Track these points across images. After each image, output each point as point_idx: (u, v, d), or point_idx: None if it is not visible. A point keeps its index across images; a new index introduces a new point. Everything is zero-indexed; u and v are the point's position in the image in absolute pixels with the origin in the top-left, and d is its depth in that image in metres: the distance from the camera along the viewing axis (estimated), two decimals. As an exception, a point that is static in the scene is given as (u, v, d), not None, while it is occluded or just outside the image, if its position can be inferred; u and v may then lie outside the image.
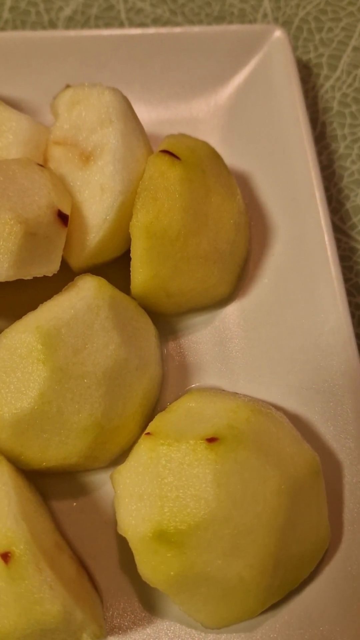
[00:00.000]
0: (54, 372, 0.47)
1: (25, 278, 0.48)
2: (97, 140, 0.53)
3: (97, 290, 0.50)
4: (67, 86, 0.58)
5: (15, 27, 0.73)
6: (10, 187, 0.49)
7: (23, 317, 0.49)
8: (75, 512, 0.53)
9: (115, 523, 0.52)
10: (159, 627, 0.49)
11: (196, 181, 0.54)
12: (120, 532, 0.47)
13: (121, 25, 0.74)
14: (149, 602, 0.50)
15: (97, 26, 0.74)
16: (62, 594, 0.44)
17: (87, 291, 0.50)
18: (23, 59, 0.66)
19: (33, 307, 0.51)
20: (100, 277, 0.52)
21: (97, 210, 0.52)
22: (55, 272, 0.50)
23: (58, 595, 0.43)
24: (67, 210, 0.50)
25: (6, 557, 0.43)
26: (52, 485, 0.53)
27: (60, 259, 0.50)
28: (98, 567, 0.51)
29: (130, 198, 0.52)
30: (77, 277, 0.52)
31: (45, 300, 0.51)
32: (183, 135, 0.58)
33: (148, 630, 0.49)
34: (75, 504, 0.53)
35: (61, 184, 0.53)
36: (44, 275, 0.50)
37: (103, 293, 0.50)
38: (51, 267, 0.49)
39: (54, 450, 0.49)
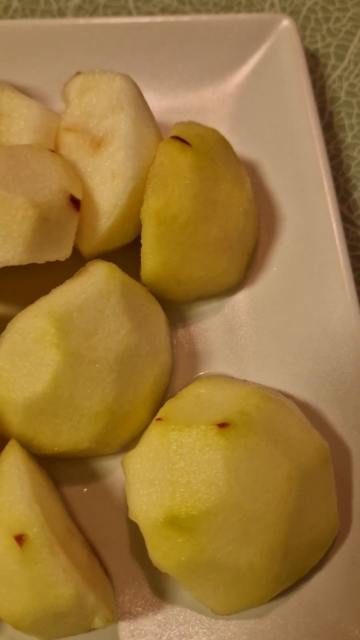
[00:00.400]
0: (66, 357, 0.47)
1: (39, 262, 0.48)
2: (108, 126, 0.53)
3: (108, 276, 0.50)
4: (78, 73, 0.58)
5: (24, 16, 0.73)
6: (22, 172, 0.49)
7: (35, 302, 0.49)
8: (85, 498, 0.53)
9: (126, 509, 0.52)
10: (169, 613, 0.50)
11: (206, 168, 0.54)
12: (131, 518, 0.47)
13: (129, 14, 0.74)
14: (159, 588, 0.51)
15: (105, 15, 0.74)
16: (75, 578, 0.44)
17: (99, 277, 0.50)
18: (33, 46, 0.66)
19: (44, 292, 0.51)
20: (111, 263, 0.52)
21: (108, 196, 0.52)
22: (67, 258, 0.50)
23: (71, 578, 0.43)
24: (79, 196, 0.50)
25: (20, 540, 0.43)
26: (62, 471, 0.53)
27: (72, 245, 0.50)
28: (108, 553, 0.52)
29: (141, 184, 0.52)
30: (88, 262, 0.52)
31: (56, 285, 0.51)
32: (193, 123, 0.58)
33: (158, 615, 0.50)
34: (85, 489, 0.53)
35: (72, 169, 0.53)
36: (56, 261, 0.50)
37: (114, 279, 0.50)
38: (63, 253, 0.49)
39: (65, 435, 0.49)
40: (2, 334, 0.49)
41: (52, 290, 0.50)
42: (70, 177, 0.51)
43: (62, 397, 0.47)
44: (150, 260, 0.52)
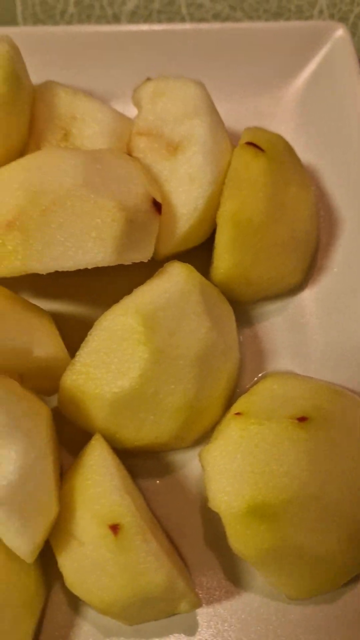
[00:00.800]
0: (153, 354, 0.49)
1: (124, 263, 0.50)
2: (184, 131, 0.55)
3: (187, 276, 0.52)
4: (148, 79, 0.60)
5: (80, 21, 0.75)
6: (107, 175, 0.51)
7: (120, 300, 0.51)
8: (159, 490, 0.55)
9: (199, 500, 0.55)
10: (243, 599, 0.52)
11: (276, 173, 0.56)
12: (212, 508, 0.49)
13: (182, 19, 0.76)
14: (232, 575, 0.53)
15: (159, 20, 0.76)
16: (167, 565, 0.46)
17: (178, 277, 0.52)
18: (96, 52, 0.68)
19: (113, 291, 0.53)
20: (188, 264, 0.54)
21: (186, 199, 0.54)
22: (149, 258, 0.52)
23: (163, 565, 0.45)
24: (159, 199, 0.52)
25: (115, 529, 0.45)
26: (136, 465, 0.55)
27: (153, 246, 0.52)
28: (183, 543, 0.54)
29: (218, 188, 0.54)
30: (167, 263, 0.54)
31: (127, 285, 0.53)
32: (261, 129, 0.60)
33: (233, 601, 0.52)
34: (158, 482, 0.55)
35: (149, 173, 0.55)
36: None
37: (193, 279, 0.52)
38: (146, 254, 0.51)
39: (147, 430, 0.51)
40: (89, 332, 0.51)
41: (135, 289, 0.52)
42: (150, 181, 0.53)
43: (148, 393, 0.49)
44: (225, 261, 0.54)
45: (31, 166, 0.50)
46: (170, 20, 0.76)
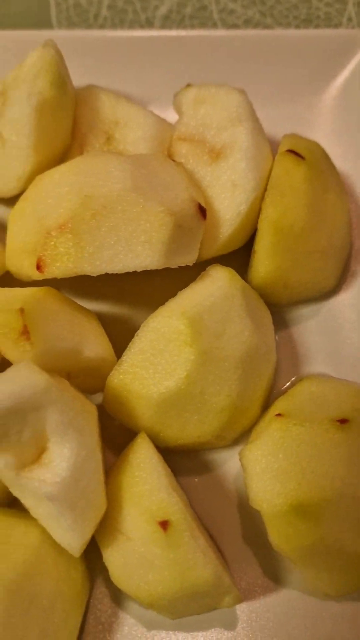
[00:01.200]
0: (199, 355, 0.50)
1: (171, 267, 0.51)
2: (227, 138, 0.56)
3: (230, 280, 0.54)
4: (188, 85, 0.61)
5: (113, 25, 0.76)
6: (154, 180, 0.52)
7: (166, 303, 0.52)
8: (198, 488, 0.56)
9: (236, 498, 0.56)
10: (281, 595, 0.53)
11: (315, 180, 0.57)
12: (253, 506, 0.51)
13: (214, 25, 0.77)
14: (270, 572, 0.54)
15: (191, 26, 0.77)
16: (213, 560, 0.47)
17: (222, 280, 0.53)
18: (131, 56, 0.69)
19: (154, 293, 0.54)
20: (230, 268, 0.55)
21: (229, 205, 0.55)
22: (194, 262, 0.53)
23: (210, 561, 0.47)
24: (203, 204, 0.53)
25: (165, 525, 0.46)
26: (175, 463, 0.57)
27: (198, 250, 0.53)
28: (222, 540, 0.55)
29: (260, 194, 0.55)
30: (209, 267, 0.55)
31: (166, 287, 0.55)
32: (298, 136, 0.61)
33: (271, 597, 0.53)
34: (196, 479, 0.57)
35: (192, 178, 0.56)
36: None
37: (236, 283, 0.54)
38: (191, 257, 0.52)
39: (191, 429, 0.52)
40: (136, 333, 0.52)
41: (179, 292, 0.53)
42: (194, 186, 0.54)
43: (194, 393, 0.51)
44: (265, 265, 0.56)
45: (80, 170, 0.52)
46: (202, 25, 0.77)
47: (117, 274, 0.52)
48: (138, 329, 0.52)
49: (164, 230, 0.49)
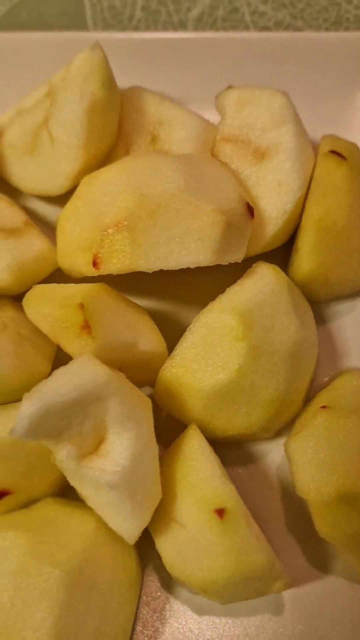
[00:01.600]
0: (250, 350, 0.52)
1: (222, 263, 0.53)
2: (272, 139, 0.58)
3: (276, 276, 0.55)
4: (230, 86, 0.63)
5: (147, 26, 0.77)
6: (204, 180, 0.54)
7: (216, 299, 0.54)
8: (242, 479, 0.58)
9: (279, 488, 0.58)
10: (326, 582, 0.55)
11: (356, 179, 0.59)
12: (299, 494, 0.52)
13: (246, 27, 0.79)
14: (315, 559, 0.56)
15: (224, 28, 0.78)
16: (267, 547, 0.49)
17: (269, 277, 0.55)
18: (168, 58, 0.70)
19: (197, 289, 0.56)
20: (275, 265, 0.57)
21: (275, 204, 0.57)
22: (242, 259, 0.55)
23: (264, 546, 0.49)
24: (251, 203, 0.55)
25: (221, 513, 0.48)
26: (221, 453, 0.58)
27: (246, 248, 0.55)
28: (267, 528, 0.57)
29: (303, 194, 0.57)
30: (255, 264, 0.57)
31: (207, 283, 0.56)
32: (337, 136, 0.63)
33: (316, 584, 0.55)
34: (240, 470, 0.58)
35: (237, 178, 0.58)
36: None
37: (282, 279, 0.55)
38: (239, 255, 0.54)
39: (239, 421, 0.54)
40: (188, 328, 0.54)
41: (228, 289, 0.55)
42: (241, 185, 0.56)
43: (244, 386, 0.52)
44: (308, 263, 0.57)
45: (134, 169, 0.53)
46: (234, 27, 0.79)
47: (161, 271, 0.53)
48: (180, 324, 0.54)
49: (216, 229, 0.51)
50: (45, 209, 0.66)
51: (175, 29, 0.78)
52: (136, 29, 0.78)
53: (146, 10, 0.78)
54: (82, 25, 0.78)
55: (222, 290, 0.56)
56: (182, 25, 0.78)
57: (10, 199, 0.62)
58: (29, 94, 0.65)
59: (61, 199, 0.62)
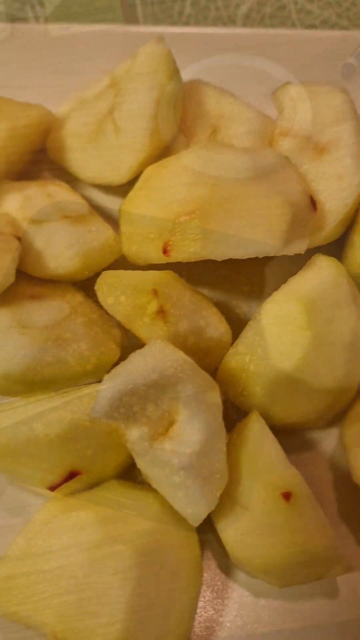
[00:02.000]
0: (314, 339, 0.53)
1: (287, 254, 0.54)
2: (332, 135, 0.59)
3: (335, 269, 0.56)
4: (287, 83, 0.64)
5: (197, 22, 0.79)
6: (270, 173, 0.55)
7: (280, 289, 0.55)
8: (296, 466, 0.59)
9: (332, 476, 0.59)
10: (378, 567, 0.56)
11: None
12: (355, 481, 0.54)
13: (293, 25, 0.80)
14: (366, 546, 0.57)
15: (272, 25, 0.80)
16: (330, 530, 0.50)
17: (329, 269, 0.56)
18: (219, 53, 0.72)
19: (256, 280, 0.58)
20: (333, 258, 0.58)
21: (335, 197, 0.58)
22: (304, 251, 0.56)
23: (329, 531, 0.50)
24: (313, 197, 0.56)
25: (287, 496, 0.49)
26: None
27: (308, 240, 0.56)
28: (320, 514, 0.58)
29: (362, 189, 0.59)
30: (314, 256, 0.58)
31: (260, 274, 0.58)
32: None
33: (367, 570, 0.56)
34: (294, 457, 0.59)
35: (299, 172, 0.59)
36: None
37: (341, 271, 0.57)
38: (302, 246, 0.55)
39: (299, 409, 0.55)
40: (252, 316, 0.55)
41: (289, 279, 0.56)
42: (303, 179, 0.57)
43: (307, 374, 0.54)
44: (364, 256, 0.59)
45: (204, 160, 0.54)
46: (281, 24, 0.80)
47: (218, 263, 0.54)
48: (236, 313, 0.55)
49: (283, 220, 0.52)
50: (101, 199, 0.67)
51: (224, 25, 0.79)
52: (186, 24, 0.79)
53: (195, 6, 0.79)
54: (134, 20, 0.79)
55: (275, 283, 0.57)
56: (231, 22, 0.80)
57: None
58: (89, 85, 0.66)
59: (116, 190, 0.63)
